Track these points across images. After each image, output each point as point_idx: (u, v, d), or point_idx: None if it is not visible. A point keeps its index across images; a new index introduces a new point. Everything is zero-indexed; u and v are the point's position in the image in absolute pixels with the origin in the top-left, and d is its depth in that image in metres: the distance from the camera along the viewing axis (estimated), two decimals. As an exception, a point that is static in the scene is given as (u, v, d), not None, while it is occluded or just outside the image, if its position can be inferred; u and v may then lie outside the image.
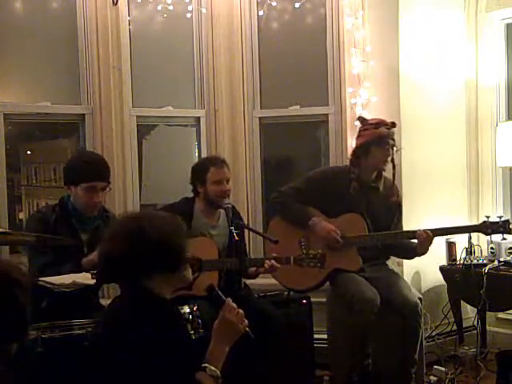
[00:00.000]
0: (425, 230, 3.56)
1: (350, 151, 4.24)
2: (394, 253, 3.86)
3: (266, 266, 3.34)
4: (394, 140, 3.66)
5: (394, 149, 3.68)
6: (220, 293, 2.11)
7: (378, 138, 3.62)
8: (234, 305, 2.07)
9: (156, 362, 1.87)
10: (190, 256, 2.11)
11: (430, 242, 3.57)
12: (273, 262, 3.33)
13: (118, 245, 1.99)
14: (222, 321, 2.05)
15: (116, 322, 1.95)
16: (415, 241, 3.62)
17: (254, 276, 3.50)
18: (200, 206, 3.52)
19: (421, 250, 3.61)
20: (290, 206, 3.71)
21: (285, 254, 3.38)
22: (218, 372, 1.97)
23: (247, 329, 2.07)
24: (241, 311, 2.07)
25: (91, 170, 3.06)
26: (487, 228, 3.67)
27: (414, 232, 3.59)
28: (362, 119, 3.77)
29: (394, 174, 3.75)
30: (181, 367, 1.92)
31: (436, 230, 3.61)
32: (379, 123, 3.65)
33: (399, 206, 3.82)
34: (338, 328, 3.73)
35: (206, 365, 1.96)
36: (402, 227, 3.81)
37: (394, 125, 3.66)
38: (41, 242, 2.81)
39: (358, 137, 3.74)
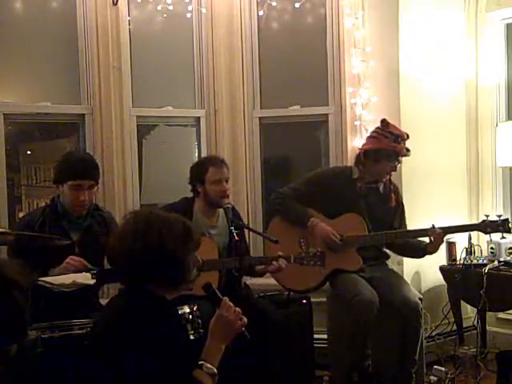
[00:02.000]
0: (437, 228, 3.55)
1: (350, 149, 4.27)
2: (403, 252, 3.85)
3: (274, 265, 3.32)
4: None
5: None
6: (217, 291, 2.11)
7: (393, 153, 3.60)
8: (231, 303, 2.07)
9: (154, 360, 1.86)
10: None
11: (442, 240, 3.59)
12: (280, 262, 3.32)
13: (128, 245, 1.98)
14: (218, 319, 2.04)
15: (115, 320, 1.95)
16: (422, 239, 3.63)
17: (262, 274, 3.50)
18: (199, 206, 3.52)
19: (432, 248, 3.61)
20: (289, 207, 3.70)
21: (285, 253, 3.38)
22: (215, 369, 1.96)
23: (243, 328, 2.06)
24: (238, 309, 2.06)
25: (77, 168, 3.05)
26: (486, 227, 3.67)
27: (426, 230, 3.58)
28: (384, 122, 3.66)
29: (390, 177, 3.75)
30: (178, 366, 1.92)
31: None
32: (399, 136, 3.60)
33: (400, 205, 3.82)
34: (338, 328, 3.73)
35: (203, 362, 1.96)
36: (406, 227, 3.81)
37: (408, 137, 3.65)
38: (26, 242, 2.81)
39: (374, 138, 3.67)
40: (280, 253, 3.36)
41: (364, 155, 3.67)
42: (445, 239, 4.23)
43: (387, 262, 3.86)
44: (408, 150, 3.62)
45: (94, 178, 3.10)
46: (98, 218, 3.19)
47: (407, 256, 3.96)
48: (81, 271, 2.85)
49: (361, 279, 3.60)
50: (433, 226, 3.58)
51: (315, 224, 3.64)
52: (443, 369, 3.84)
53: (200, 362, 1.96)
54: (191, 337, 2.61)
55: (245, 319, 2.07)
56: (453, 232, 3.90)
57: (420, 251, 3.70)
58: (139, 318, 1.92)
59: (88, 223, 3.13)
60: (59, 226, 3.06)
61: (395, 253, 3.88)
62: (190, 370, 1.94)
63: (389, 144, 3.59)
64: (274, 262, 3.32)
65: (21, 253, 2.74)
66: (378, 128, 3.69)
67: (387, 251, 3.85)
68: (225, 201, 3.45)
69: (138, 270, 1.97)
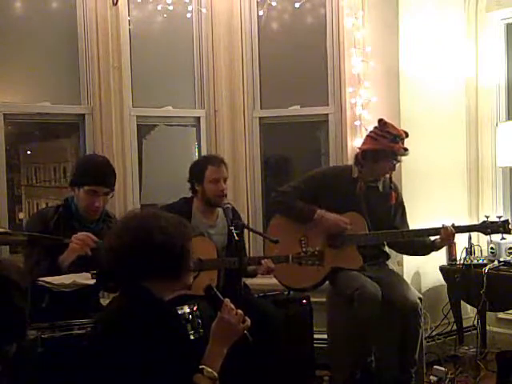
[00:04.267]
0: (449, 226, 3.58)
1: (350, 149, 4.28)
2: (407, 250, 3.86)
3: (262, 268, 3.33)
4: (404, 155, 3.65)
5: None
6: (218, 293, 2.09)
7: (391, 153, 3.60)
8: (232, 305, 2.06)
9: (153, 363, 1.86)
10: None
11: (454, 238, 3.60)
12: (266, 261, 3.33)
13: (121, 242, 1.97)
14: (220, 322, 2.02)
15: (114, 323, 1.94)
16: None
17: (253, 275, 3.50)
18: (198, 206, 3.52)
19: (441, 244, 3.63)
20: (291, 205, 3.70)
21: (285, 252, 3.38)
22: (215, 374, 1.94)
23: (245, 331, 2.05)
24: (240, 311, 2.05)
25: (95, 173, 3.06)
26: (486, 228, 3.68)
27: (438, 229, 3.59)
28: (382, 122, 3.65)
29: (390, 176, 3.75)
30: (178, 369, 1.91)
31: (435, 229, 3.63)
32: (397, 137, 3.59)
33: (401, 204, 3.82)
34: (338, 327, 3.74)
35: (203, 366, 1.94)
36: (408, 226, 3.81)
37: (407, 135, 3.65)
38: (35, 241, 2.81)
39: (372, 139, 3.67)
40: (277, 250, 3.36)
41: (362, 155, 3.68)
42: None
43: (387, 261, 3.86)
44: (406, 150, 3.63)
45: (111, 186, 3.11)
46: (109, 223, 3.20)
47: (411, 254, 3.93)
48: (89, 247, 2.84)
49: (362, 275, 3.61)
50: (443, 225, 3.60)
51: (323, 214, 3.64)
52: (443, 369, 3.84)
53: (201, 366, 1.94)
54: (191, 337, 2.61)
55: (248, 321, 2.05)
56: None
57: (426, 248, 3.71)
58: (138, 321, 1.91)
59: (99, 228, 3.13)
60: (72, 228, 3.07)
61: (398, 252, 3.88)
62: (189, 373, 1.93)
63: (387, 144, 3.59)
64: (263, 262, 3.32)
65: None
66: (375, 128, 3.70)
67: (387, 251, 3.85)
68: (222, 200, 3.45)
69: (133, 265, 1.96)
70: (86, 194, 3.03)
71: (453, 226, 3.62)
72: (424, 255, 3.82)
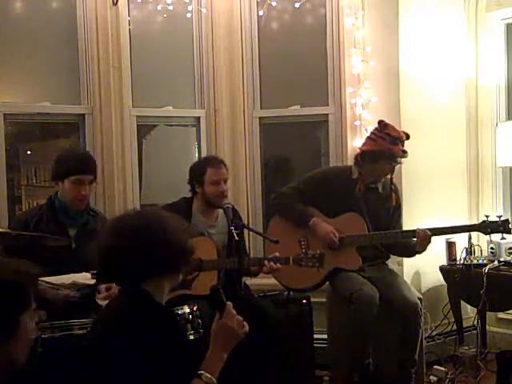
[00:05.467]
0: (423, 230, 3.57)
1: (350, 149, 4.28)
2: (393, 251, 3.86)
3: (264, 269, 3.33)
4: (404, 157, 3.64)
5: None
6: (223, 295, 2.08)
7: (390, 155, 3.60)
8: (234, 311, 2.05)
9: (151, 367, 1.85)
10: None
11: (429, 241, 3.58)
12: (271, 263, 3.33)
13: (122, 241, 1.97)
14: (222, 327, 2.00)
15: (114, 323, 1.94)
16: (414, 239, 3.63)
17: (256, 274, 3.50)
18: (198, 206, 3.53)
19: (420, 248, 3.62)
20: (290, 207, 3.71)
21: (285, 253, 3.38)
22: (214, 380, 1.92)
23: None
24: (239, 317, 2.04)
25: (78, 163, 3.15)
26: (486, 227, 3.68)
27: (414, 231, 3.60)
28: (382, 123, 3.66)
29: (391, 177, 3.75)
30: (177, 369, 1.91)
31: (435, 229, 3.62)
32: (397, 139, 3.59)
33: (399, 206, 3.82)
34: (338, 328, 3.74)
35: (202, 372, 1.92)
36: (401, 227, 3.81)
37: (408, 137, 3.65)
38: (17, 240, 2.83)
39: (372, 140, 3.67)
40: (277, 253, 3.36)
41: (361, 156, 3.68)
42: (445, 239, 4.26)
43: (387, 262, 3.86)
44: (405, 152, 3.62)
45: (94, 174, 3.20)
46: (94, 215, 3.27)
47: (398, 255, 3.95)
48: None
49: (361, 277, 3.61)
50: (418, 228, 3.59)
51: (317, 223, 3.65)
52: (443, 369, 3.84)
53: (199, 372, 1.93)
54: (191, 337, 2.61)
55: (246, 327, 2.05)
56: (453, 232, 3.90)
57: (410, 250, 3.71)
58: (137, 324, 1.90)
59: (85, 219, 3.20)
60: (57, 222, 3.12)
61: (387, 252, 3.89)
62: (187, 378, 1.92)
63: (386, 146, 3.59)
64: (266, 263, 3.32)
65: (14, 251, 2.77)
66: (375, 129, 3.70)
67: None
68: (223, 201, 3.45)
69: (132, 264, 1.96)
70: (71, 184, 3.10)
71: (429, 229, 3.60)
72: (408, 257, 3.83)
